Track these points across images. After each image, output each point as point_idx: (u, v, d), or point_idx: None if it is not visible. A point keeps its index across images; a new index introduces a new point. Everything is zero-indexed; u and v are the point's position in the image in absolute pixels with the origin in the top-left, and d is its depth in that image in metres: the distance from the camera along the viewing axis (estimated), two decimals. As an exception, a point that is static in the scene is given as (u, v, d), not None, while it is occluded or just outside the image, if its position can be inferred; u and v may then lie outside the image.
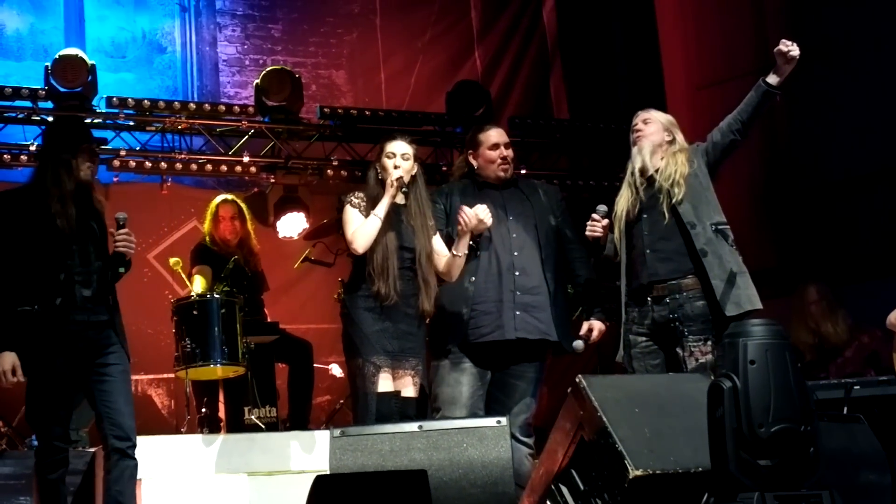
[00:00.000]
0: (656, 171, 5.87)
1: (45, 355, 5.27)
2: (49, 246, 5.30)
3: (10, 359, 5.24)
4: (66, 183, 5.37)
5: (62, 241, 5.31)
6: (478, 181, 6.33)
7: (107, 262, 5.46)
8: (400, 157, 5.87)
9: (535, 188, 6.38)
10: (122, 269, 5.46)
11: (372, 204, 5.77)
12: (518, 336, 6.03)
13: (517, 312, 6.04)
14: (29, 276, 5.29)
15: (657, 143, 5.93)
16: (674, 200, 5.76)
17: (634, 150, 5.96)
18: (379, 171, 5.90)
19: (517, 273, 6.09)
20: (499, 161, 6.27)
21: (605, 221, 5.89)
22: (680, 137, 5.97)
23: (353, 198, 5.82)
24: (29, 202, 5.39)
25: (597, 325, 6.20)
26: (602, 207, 5.92)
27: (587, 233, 5.91)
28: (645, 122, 5.98)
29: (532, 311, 6.07)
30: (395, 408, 5.65)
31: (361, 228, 5.71)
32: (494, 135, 6.33)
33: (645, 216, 5.86)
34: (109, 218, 5.59)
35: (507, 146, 6.30)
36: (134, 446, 5.37)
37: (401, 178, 5.80)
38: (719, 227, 5.80)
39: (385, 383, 5.67)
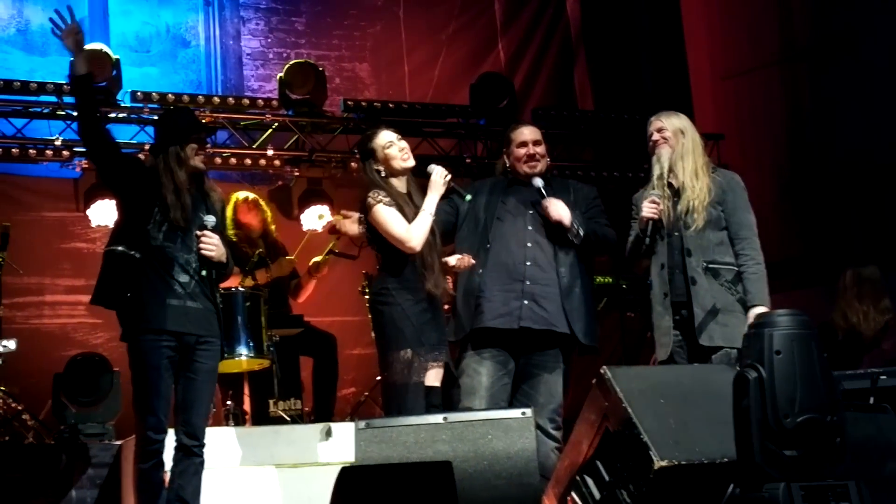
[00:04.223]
0: (681, 186, 5.99)
1: (136, 338, 5.34)
2: (149, 224, 5.38)
3: None
4: (178, 174, 5.45)
5: (168, 225, 5.40)
6: (509, 178, 6.36)
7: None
8: (397, 141, 5.90)
9: (568, 188, 6.36)
10: (203, 272, 5.44)
11: (396, 201, 5.77)
12: (522, 325, 6.04)
13: (525, 302, 6.06)
14: (127, 231, 5.45)
15: (673, 150, 6.07)
16: (693, 227, 5.92)
17: (654, 157, 6.12)
18: (381, 168, 5.88)
19: (528, 263, 6.10)
20: (525, 158, 6.28)
21: (661, 207, 5.96)
22: (688, 138, 6.08)
23: (381, 197, 5.77)
24: (150, 180, 5.47)
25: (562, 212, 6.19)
26: (656, 192, 5.98)
27: (645, 212, 5.93)
28: (660, 130, 6.11)
29: (540, 301, 6.07)
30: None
31: (418, 228, 5.72)
32: (523, 133, 6.36)
33: (677, 234, 5.99)
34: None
35: (535, 143, 6.30)
36: (201, 446, 5.41)
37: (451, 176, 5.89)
38: (710, 265, 5.93)
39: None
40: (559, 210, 6.14)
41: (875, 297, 7.59)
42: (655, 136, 6.11)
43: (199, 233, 5.44)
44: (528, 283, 6.08)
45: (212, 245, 5.43)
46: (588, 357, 6.28)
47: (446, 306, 6.95)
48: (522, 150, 6.30)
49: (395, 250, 5.77)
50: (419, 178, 6.00)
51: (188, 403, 5.40)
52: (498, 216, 6.22)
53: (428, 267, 5.75)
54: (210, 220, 5.48)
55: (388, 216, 5.73)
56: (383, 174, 5.87)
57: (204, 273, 5.44)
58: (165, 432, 5.35)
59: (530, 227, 6.15)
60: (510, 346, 6.11)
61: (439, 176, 5.83)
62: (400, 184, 5.89)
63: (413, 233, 5.71)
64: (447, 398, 5.98)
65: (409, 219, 5.74)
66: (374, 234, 5.85)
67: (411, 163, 5.90)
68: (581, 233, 6.13)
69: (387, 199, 5.76)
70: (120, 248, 5.39)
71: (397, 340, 5.70)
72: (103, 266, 5.47)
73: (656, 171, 6.04)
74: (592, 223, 6.24)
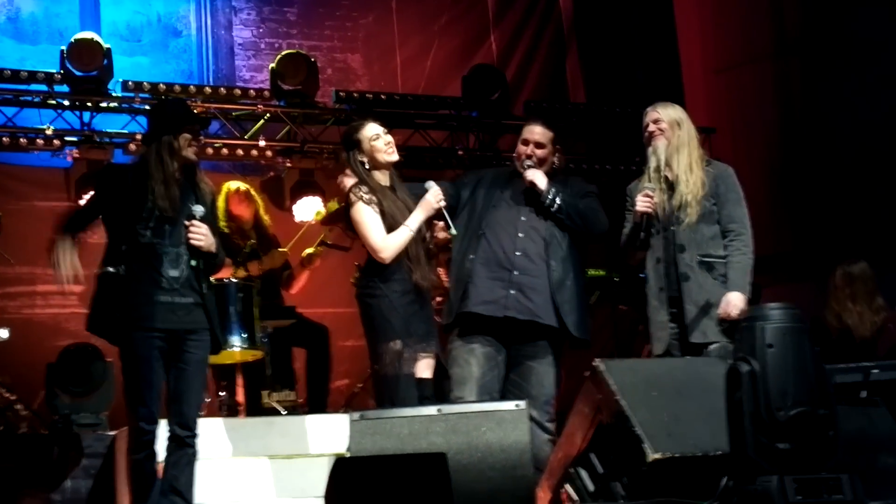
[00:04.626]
0: (675, 179, 5.97)
1: (128, 333, 5.34)
2: (138, 222, 5.36)
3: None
4: (168, 164, 5.43)
5: (156, 220, 5.38)
6: (512, 169, 6.38)
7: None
8: (384, 134, 5.92)
9: (566, 184, 6.33)
10: (193, 262, 5.43)
11: (375, 194, 5.79)
12: (507, 315, 6.03)
13: (511, 291, 6.04)
14: (118, 245, 5.42)
15: (669, 142, 6.03)
16: (686, 221, 5.90)
17: (649, 149, 6.08)
18: (365, 159, 5.88)
19: (518, 253, 6.09)
20: (522, 155, 6.27)
21: (656, 200, 5.95)
22: (684, 130, 6.05)
23: (361, 193, 5.80)
24: (132, 180, 5.46)
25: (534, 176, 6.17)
26: (651, 185, 5.98)
27: (639, 207, 5.92)
28: (656, 121, 6.06)
29: (527, 291, 6.05)
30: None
31: (395, 240, 5.74)
32: (531, 131, 6.29)
33: (673, 228, 5.97)
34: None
35: (537, 145, 6.22)
36: (194, 436, 5.42)
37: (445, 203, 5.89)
38: (704, 259, 5.92)
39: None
40: (535, 174, 6.13)
41: (868, 297, 7.48)
42: (651, 128, 6.06)
43: (187, 223, 5.43)
44: (516, 272, 6.06)
45: (200, 235, 5.43)
46: (580, 350, 6.28)
47: (439, 298, 6.97)
48: (522, 147, 6.29)
49: None
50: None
51: (179, 394, 5.41)
52: (494, 204, 6.21)
53: (413, 259, 5.77)
54: (199, 209, 5.46)
55: (366, 219, 5.76)
56: (367, 166, 5.89)
57: (194, 263, 5.44)
58: (157, 423, 5.36)
59: (524, 218, 6.14)
60: (499, 334, 6.10)
61: (434, 197, 5.85)
62: (382, 177, 5.91)
63: (388, 244, 5.74)
64: (439, 390, 6.00)
65: (390, 212, 5.78)
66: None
67: (395, 157, 5.93)
68: (557, 201, 6.08)
69: (367, 196, 5.77)
70: (111, 270, 5.39)
71: (385, 332, 5.71)
72: (97, 291, 5.46)
73: (652, 164, 6.01)
74: (578, 200, 6.20)
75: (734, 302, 5.74)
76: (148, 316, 5.33)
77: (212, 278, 7.17)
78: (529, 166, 6.17)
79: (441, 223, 5.99)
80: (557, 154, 6.34)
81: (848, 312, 7.44)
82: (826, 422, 4.34)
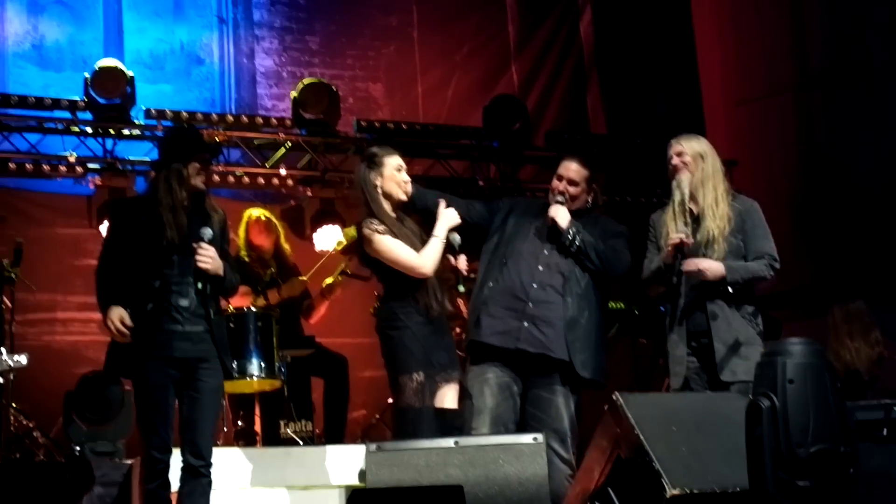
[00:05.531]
0: (701, 213, 5.91)
1: (140, 364, 5.35)
2: (147, 254, 5.38)
3: (117, 311, 5.33)
4: (177, 192, 5.44)
5: (163, 250, 5.39)
6: (544, 202, 6.35)
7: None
8: (404, 172, 5.95)
9: (596, 222, 6.31)
10: (199, 285, 5.43)
11: (385, 222, 5.79)
12: (518, 347, 5.99)
13: (524, 324, 6.00)
14: (127, 281, 5.41)
15: (693, 175, 5.97)
16: (714, 258, 5.81)
17: (673, 183, 6.00)
18: (380, 184, 5.89)
19: (535, 286, 6.05)
20: (556, 192, 6.25)
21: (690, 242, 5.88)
22: (708, 163, 5.98)
23: (374, 226, 5.78)
24: (140, 211, 5.49)
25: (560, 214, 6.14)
26: (685, 230, 5.86)
27: (668, 254, 5.85)
28: (679, 154, 6.00)
29: (540, 324, 6.00)
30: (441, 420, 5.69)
31: (430, 254, 5.77)
32: (566, 167, 6.26)
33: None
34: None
35: (570, 182, 6.20)
36: (208, 465, 5.41)
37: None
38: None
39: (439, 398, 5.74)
40: (557, 212, 6.10)
41: (864, 332, 7.55)
42: (675, 161, 5.99)
43: (195, 245, 5.43)
44: (530, 304, 6.02)
45: (207, 257, 5.43)
46: (595, 389, 6.22)
47: (458, 329, 6.94)
48: (556, 183, 6.27)
49: (399, 274, 5.78)
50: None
51: (193, 422, 5.41)
52: (521, 234, 6.19)
53: (420, 287, 5.76)
54: (207, 232, 5.47)
55: (392, 245, 5.76)
56: (379, 190, 5.89)
57: (200, 286, 5.44)
58: (170, 452, 5.36)
59: (546, 252, 6.10)
60: (514, 365, 6.06)
61: (453, 216, 5.91)
62: (388, 206, 5.89)
63: (425, 259, 5.74)
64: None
65: (404, 241, 5.78)
66: (372, 262, 5.86)
67: (404, 198, 5.93)
68: (577, 241, 6.04)
69: (381, 228, 5.77)
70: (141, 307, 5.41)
71: (408, 363, 5.70)
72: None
73: (676, 197, 5.93)
74: (601, 243, 6.17)
75: (713, 267, 5.73)
76: (161, 345, 5.34)
77: (231, 307, 7.25)
78: (558, 202, 6.15)
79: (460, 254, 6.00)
80: (594, 193, 6.32)
81: (845, 349, 7.45)
82: (847, 459, 4.30)
